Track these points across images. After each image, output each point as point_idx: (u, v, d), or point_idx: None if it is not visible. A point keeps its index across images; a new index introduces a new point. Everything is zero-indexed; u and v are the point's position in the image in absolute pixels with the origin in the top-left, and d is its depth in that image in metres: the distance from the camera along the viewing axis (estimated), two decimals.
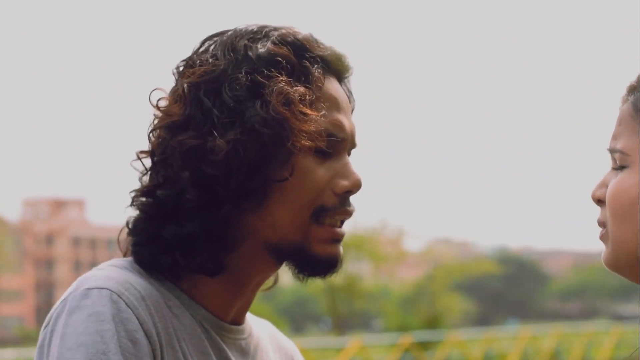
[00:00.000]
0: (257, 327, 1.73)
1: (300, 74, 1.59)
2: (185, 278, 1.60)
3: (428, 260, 53.99)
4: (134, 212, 1.62)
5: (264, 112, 1.55)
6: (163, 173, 1.58)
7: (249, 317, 1.71)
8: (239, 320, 1.66)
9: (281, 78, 1.57)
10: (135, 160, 1.63)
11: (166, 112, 1.59)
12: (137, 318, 1.50)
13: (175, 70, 1.64)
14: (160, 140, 1.59)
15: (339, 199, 1.61)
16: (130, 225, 1.61)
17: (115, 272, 1.55)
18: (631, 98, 1.52)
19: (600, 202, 1.53)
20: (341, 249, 1.64)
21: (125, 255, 1.63)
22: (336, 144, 1.61)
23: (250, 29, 1.63)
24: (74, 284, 1.55)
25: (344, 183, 1.61)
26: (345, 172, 1.61)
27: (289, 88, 1.57)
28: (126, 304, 1.50)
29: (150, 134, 1.61)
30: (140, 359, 1.49)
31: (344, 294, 42.78)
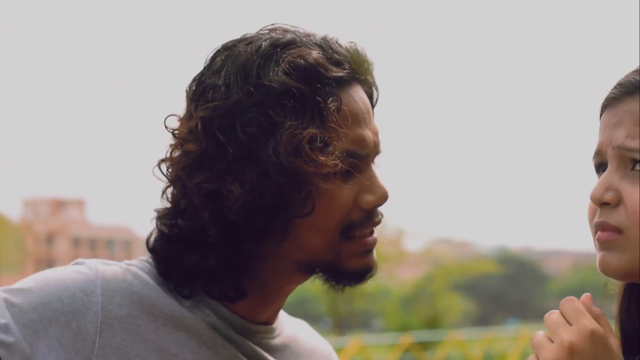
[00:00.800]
0: (292, 326, 1.72)
1: (313, 109, 1.54)
2: None
3: (428, 260, 53.87)
4: (153, 227, 1.61)
5: (276, 158, 1.51)
6: (185, 202, 1.56)
7: (284, 317, 1.71)
8: (270, 321, 1.65)
9: (290, 122, 1.52)
10: (156, 166, 1.61)
11: (183, 150, 1.56)
12: (99, 311, 1.52)
13: (187, 92, 1.60)
14: (176, 177, 1.57)
15: (366, 214, 1.58)
16: (150, 245, 1.60)
17: (126, 270, 1.57)
18: None
19: (605, 204, 1.47)
20: (374, 254, 1.61)
21: None
22: (360, 160, 1.58)
23: (262, 47, 1.57)
24: None
25: (370, 198, 1.58)
26: (371, 186, 1.59)
27: (298, 132, 1.52)
28: (101, 292, 1.53)
29: (168, 166, 1.59)
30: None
31: (344, 294, 42.57)
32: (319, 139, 1.53)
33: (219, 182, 1.52)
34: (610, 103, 1.50)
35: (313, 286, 1.69)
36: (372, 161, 1.61)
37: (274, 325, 1.66)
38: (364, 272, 1.60)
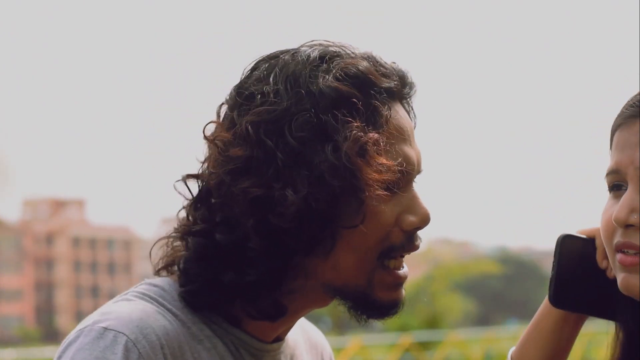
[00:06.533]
0: (292, 328, 1.66)
1: (369, 115, 1.50)
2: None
3: (428, 260, 53.88)
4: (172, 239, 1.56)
5: (335, 160, 1.46)
6: (222, 215, 1.51)
7: None
8: (281, 337, 1.60)
9: (355, 123, 1.48)
10: (179, 181, 1.56)
11: (227, 155, 1.50)
12: None
13: (229, 99, 1.56)
14: (219, 183, 1.50)
15: (407, 236, 1.53)
16: (180, 266, 1.53)
17: (139, 309, 1.49)
18: None
19: (629, 226, 1.44)
20: (403, 291, 1.56)
21: (157, 273, 1.57)
22: (404, 178, 1.53)
23: (311, 56, 1.53)
24: (96, 314, 1.49)
25: (413, 219, 1.53)
26: (414, 207, 1.53)
27: (363, 135, 1.48)
28: (140, 353, 1.44)
29: (207, 172, 1.53)
30: None
31: None
32: (381, 145, 1.49)
33: (267, 187, 1.47)
34: (626, 122, 1.48)
35: None
36: (414, 180, 1.56)
37: (285, 338, 1.62)
38: (392, 306, 1.55)
